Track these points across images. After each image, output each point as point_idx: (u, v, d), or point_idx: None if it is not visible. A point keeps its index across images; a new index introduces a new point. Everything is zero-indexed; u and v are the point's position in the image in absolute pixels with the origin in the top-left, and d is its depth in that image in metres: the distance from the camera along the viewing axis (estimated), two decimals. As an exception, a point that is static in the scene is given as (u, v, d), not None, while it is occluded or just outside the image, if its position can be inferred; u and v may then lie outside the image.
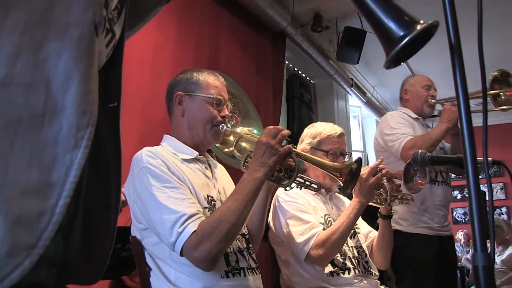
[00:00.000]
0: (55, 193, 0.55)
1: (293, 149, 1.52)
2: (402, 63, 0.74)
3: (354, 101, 6.41)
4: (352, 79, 5.73)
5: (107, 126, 0.73)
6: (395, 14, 0.67)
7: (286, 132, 1.51)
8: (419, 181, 2.01)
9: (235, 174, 1.93)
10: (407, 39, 0.65)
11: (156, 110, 2.68)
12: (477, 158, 1.31)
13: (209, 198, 1.54)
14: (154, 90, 2.71)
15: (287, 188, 1.57)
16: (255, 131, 2.37)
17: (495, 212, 8.19)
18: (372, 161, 5.54)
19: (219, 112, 1.62)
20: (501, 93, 2.62)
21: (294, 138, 4.82)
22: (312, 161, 1.67)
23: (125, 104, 2.43)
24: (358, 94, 6.05)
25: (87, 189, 0.69)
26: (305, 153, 1.66)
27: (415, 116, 2.84)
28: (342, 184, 1.61)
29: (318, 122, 2.23)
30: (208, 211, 1.48)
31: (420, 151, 1.67)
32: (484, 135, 0.84)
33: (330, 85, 5.60)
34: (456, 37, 0.69)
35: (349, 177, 1.59)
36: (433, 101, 2.84)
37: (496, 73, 2.63)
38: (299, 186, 1.60)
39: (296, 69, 5.09)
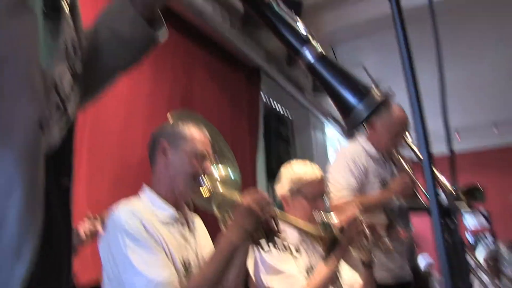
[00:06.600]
0: None
1: (275, 213, 1.52)
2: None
3: (332, 133, 6.45)
4: (329, 111, 5.77)
5: (58, 201, 0.69)
6: (352, 85, 0.67)
7: (269, 199, 1.52)
8: (401, 231, 2.04)
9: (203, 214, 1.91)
10: (367, 113, 0.65)
11: (131, 151, 2.63)
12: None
13: (185, 261, 1.52)
14: (128, 130, 2.65)
15: (265, 249, 1.57)
16: (230, 172, 2.35)
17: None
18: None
19: (202, 167, 1.63)
20: None
21: (273, 174, 4.78)
22: (294, 225, 1.68)
23: (98, 145, 2.40)
24: (335, 126, 6.08)
25: (35, 270, 0.64)
26: (286, 216, 1.66)
27: (374, 152, 2.73)
28: (323, 252, 1.64)
29: (296, 162, 2.22)
30: (183, 276, 1.47)
31: (398, 203, 1.67)
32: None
33: (307, 118, 5.61)
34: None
35: (329, 243, 1.66)
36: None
37: None
38: (277, 248, 1.59)
39: (272, 104, 5.11)
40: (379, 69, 5.35)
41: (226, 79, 3.92)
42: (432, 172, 0.74)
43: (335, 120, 6.00)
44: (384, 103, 0.66)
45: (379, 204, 2.47)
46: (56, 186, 0.67)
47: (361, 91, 0.66)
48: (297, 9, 3.68)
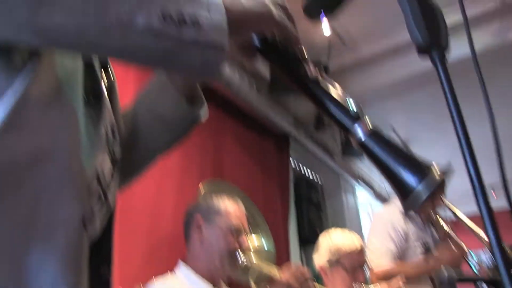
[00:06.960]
0: None
1: (314, 285, 1.48)
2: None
3: (364, 196, 6.31)
4: (359, 174, 5.68)
5: None
6: (410, 164, 0.62)
7: (308, 274, 1.48)
8: None
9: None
10: (428, 193, 0.59)
11: (162, 224, 2.58)
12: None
13: None
14: (159, 204, 2.62)
15: None
16: (264, 242, 2.28)
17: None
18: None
19: (239, 241, 1.59)
20: None
21: (305, 240, 4.64)
22: None
23: (129, 220, 2.36)
24: (367, 189, 5.96)
25: None
26: None
27: (412, 214, 2.60)
28: None
29: (334, 231, 2.15)
30: None
31: (447, 274, 1.59)
32: None
33: (337, 182, 5.53)
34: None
35: None
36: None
37: None
38: None
39: (302, 169, 5.06)
40: (407, 128, 5.29)
41: (255, 147, 3.91)
42: (498, 237, 0.66)
43: (366, 183, 5.89)
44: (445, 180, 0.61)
45: (425, 274, 2.37)
46: (97, 279, 0.63)
47: (420, 170, 0.61)
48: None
